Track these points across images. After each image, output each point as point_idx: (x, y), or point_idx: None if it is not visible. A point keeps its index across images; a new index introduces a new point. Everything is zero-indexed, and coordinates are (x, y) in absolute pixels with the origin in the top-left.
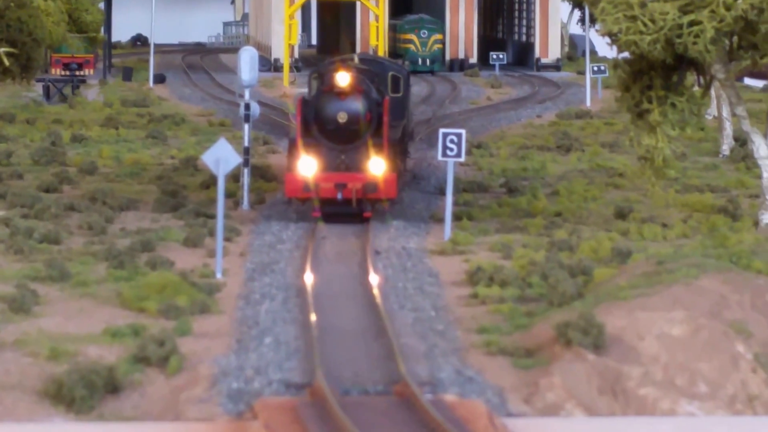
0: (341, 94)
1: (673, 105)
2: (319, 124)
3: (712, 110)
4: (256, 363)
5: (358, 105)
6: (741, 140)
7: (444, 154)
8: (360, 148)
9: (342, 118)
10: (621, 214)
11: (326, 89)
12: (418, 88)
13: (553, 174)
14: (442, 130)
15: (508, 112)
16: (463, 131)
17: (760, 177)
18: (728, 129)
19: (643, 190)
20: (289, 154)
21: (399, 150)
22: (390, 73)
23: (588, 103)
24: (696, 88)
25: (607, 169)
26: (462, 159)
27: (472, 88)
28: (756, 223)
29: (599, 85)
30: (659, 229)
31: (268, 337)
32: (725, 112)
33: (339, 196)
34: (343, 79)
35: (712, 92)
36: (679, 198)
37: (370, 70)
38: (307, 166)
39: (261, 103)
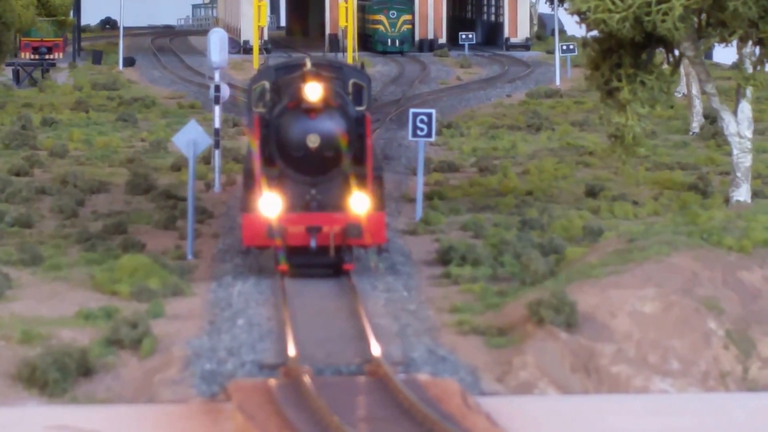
0: (311, 112)
1: (643, 83)
2: (283, 151)
3: (682, 88)
4: (229, 344)
5: (333, 124)
6: (711, 118)
7: (414, 134)
8: (337, 179)
9: (313, 141)
10: (592, 193)
11: (291, 105)
12: (388, 68)
13: (524, 153)
14: (412, 110)
15: (478, 91)
16: (433, 111)
17: (730, 154)
18: (698, 106)
19: (613, 168)
20: (245, 188)
21: (382, 180)
22: (351, 81)
23: (557, 82)
24: (665, 66)
25: (578, 148)
26: (432, 139)
27: (441, 69)
28: (726, 200)
29: (568, 64)
30: (630, 207)
31: (241, 318)
32: (695, 90)
33: (312, 243)
34: (313, 91)
35: (682, 70)
36: (649, 176)
37: (332, 77)
38: (271, 204)
39: (231, 85)
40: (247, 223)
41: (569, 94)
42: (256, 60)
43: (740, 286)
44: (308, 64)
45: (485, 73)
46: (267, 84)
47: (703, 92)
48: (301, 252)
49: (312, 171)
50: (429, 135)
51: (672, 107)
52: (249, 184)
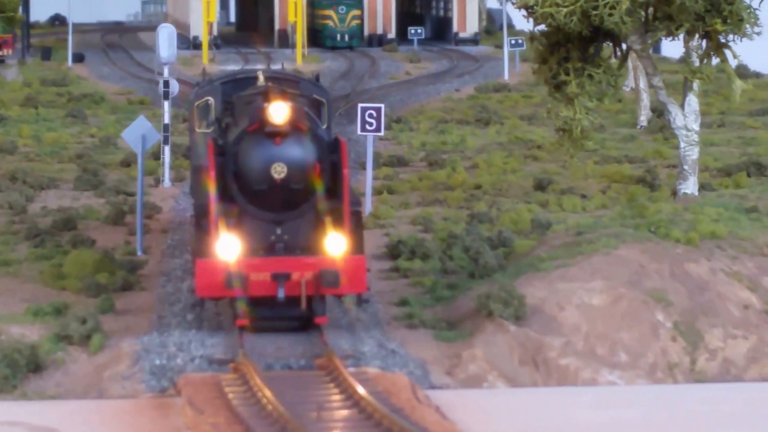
0: (276, 136)
1: (591, 77)
2: (242, 183)
3: (630, 82)
4: (179, 339)
5: (302, 151)
6: (658, 111)
7: (363, 129)
8: (307, 217)
9: (279, 172)
10: (540, 186)
11: (251, 128)
12: (337, 63)
13: (473, 147)
14: (361, 105)
15: (427, 86)
16: (381, 106)
17: (677, 147)
18: (645, 100)
19: (561, 162)
20: (196, 228)
21: (361, 217)
22: (312, 97)
23: (506, 76)
24: (613, 60)
25: (526, 142)
26: (381, 133)
27: (390, 64)
28: (674, 193)
29: (517, 58)
30: (578, 201)
31: (191, 313)
32: (642, 84)
33: (280, 293)
34: (278, 112)
35: (629, 64)
36: (597, 169)
37: (296, 95)
38: (229, 248)
39: (180, 81)
40: (202, 270)
41: (518, 89)
42: (206, 55)
43: (688, 279)
44: (261, 77)
45: (434, 68)
46: (212, 100)
47: (651, 86)
48: (265, 304)
49: (277, 207)
50: (378, 129)
51: (620, 101)
52: (202, 223)
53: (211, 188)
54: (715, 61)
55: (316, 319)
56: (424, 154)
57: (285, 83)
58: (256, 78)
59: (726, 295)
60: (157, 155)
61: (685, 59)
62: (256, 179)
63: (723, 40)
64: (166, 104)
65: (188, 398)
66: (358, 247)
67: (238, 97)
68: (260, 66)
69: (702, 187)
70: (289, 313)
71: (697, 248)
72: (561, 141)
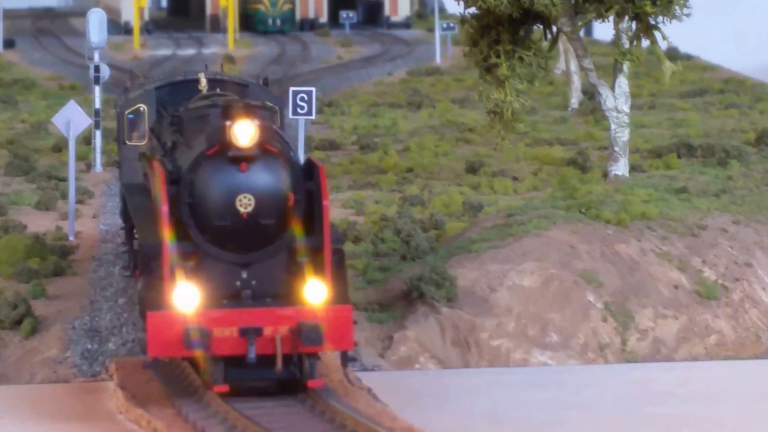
0: (241, 161)
1: (521, 59)
2: (200, 219)
3: (561, 64)
4: (111, 323)
5: (273, 179)
6: (589, 93)
7: (295, 113)
8: (278, 258)
9: (245, 205)
10: (472, 169)
11: (210, 152)
12: (269, 48)
13: (405, 130)
14: (292, 89)
15: (359, 70)
16: (313, 89)
17: (608, 129)
18: (576, 82)
19: (493, 145)
20: (144, 272)
21: (344, 256)
22: (263, 104)
23: (438, 59)
24: (543, 43)
25: (458, 125)
26: (313, 117)
27: (322, 48)
28: (605, 175)
29: (449, 41)
30: (509, 183)
31: (122, 297)
32: (573, 66)
33: (250, 353)
34: (244, 132)
35: (560, 46)
36: (528, 151)
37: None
38: (187, 297)
39: (111, 66)
40: (154, 325)
41: (449, 72)
42: (137, 41)
43: (618, 259)
44: (203, 80)
45: (366, 52)
46: (144, 108)
47: (582, 68)
48: (237, 364)
49: (243, 246)
50: (309, 113)
51: (551, 83)
52: (152, 267)
53: (164, 226)
54: (645, 43)
55: (308, 383)
56: (356, 137)
57: (231, 88)
58: (196, 81)
59: (656, 276)
60: (88, 140)
61: (615, 41)
62: (218, 214)
63: (653, 22)
64: (97, 89)
65: (120, 382)
66: (341, 294)
67: (187, 110)
68: (191, 50)
69: (633, 168)
70: (264, 375)
71: (627, 229)
72: (492, 124)
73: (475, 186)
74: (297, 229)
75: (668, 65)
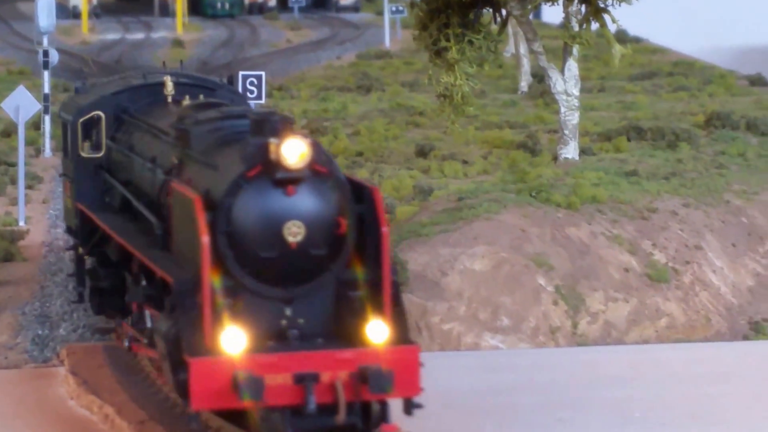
0: (288, 184)
1: (471, 42)
2: (241, 250)
3: (510, 47)
4: (62, 309)
5: (324, 204)
6: (539, 76)
7: (244, 97)
8: (323, 292)
9: (294, 234)
10: (422, 152)
11: (253, 173)
12: (218, 32)
13: (354, 114)
14: (241, 73)
15: (309, 54)
16: (262, 73)
17: (557, 112)
18: (526, 66)
19: (443, 128)
20: (178, 313)
21: (399, 288)
22: None
23: (387, 43)
24: (493, 26)
25: (408, 108)
26: (263, 101)
27: (271, 32)
28: (555, 158)
29: (398, 25)
30: (460, 166)
31: (73, 283)
32: (523, 49)
33: (310, 402)
34: (294, 150)
35: (509, 29)
36: (479, 135)
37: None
38: (235, 340)
39: (60, 51)
40: (200, 373)
41: (399, 56)
42: (85, 25)
43: (569, 243)
44: (169, 84)
45: (315, 36)
46: (101, 115)
47: (531, 51)
48: (295, 414)
49: (289, 280)
50: (259, 97)
51: (500, 67)
52: (189, 304)
53: (206, 259)
54: (594, 26)
55: (384, 428)
56: (306, 121)
57: (200, 91)
58: (162, 85)
59: (607, 259)
60: (37, 125)
61: (564, 25)
62: (263, 244)
63: (602, 5)
64: (46, 74)
65: (71, 368)
66: (403, 332)
67: (196, 122)
68: (140, 35)
69: (582, 151)
70: (323, 424)
71: (577, 212)
72: (442, 107)
73: (426, 170)
74: (347, 259)
75: (617, 48)
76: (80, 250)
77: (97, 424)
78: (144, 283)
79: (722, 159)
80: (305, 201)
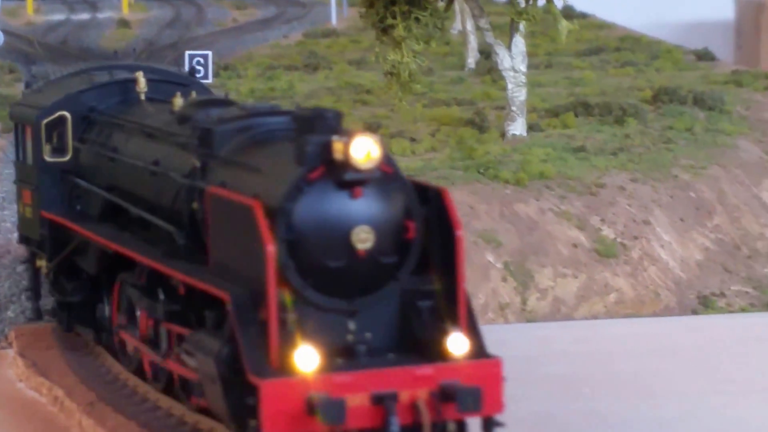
0: (355, 187)
1: (417, 20)
2: (304, 259)
3: (457, 24)
4: (9, 292)
5: (392, 207)
6: (486, 53)
7: (191, 76)
8: (387, 302)
9: (363, 240)
10: (370, 130)
11: (316, 175)
12: (163, 12)
13: (302, 93)
14: (188, 53)
15: (255, 33)
16: (209, 53)
17: (505, 89)
18: (473, 42)
19: (390, 106)
20: (241, 331)
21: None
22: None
23: (334, 21)
24: (440, 3)
25: (355, 86)
26: (210, 80)
27: (217, 11)
28: (503, 135)
29: (344, 3)
30: (408, 144)
31: (21, 265)
32: (469, 26)
33: (393, 424)
34: (364, 150)
35: (456, 6)
36: (426, 112)
37: None
38: (308, 358)
39: (5, 32)
40: (273, 396)
41: (346, 34)
42: (30, 6)
43: (517, 219)
44: (142, 81)
45: (261, 15)
46: (68, 116)
47: (478, 28)
48: None
49: (354, 291)
50: (206, 77)
51: (447, 43)
52: (247, 320)
53: (271, 271)
54: (541, 2)
55: None
56: (253, 101)
57: (174, 88)
58: (134, 81)
59: (555, 235)
60: None
61: (511, 1)
62: (329, 252)
63: None
64: None
65: (20, 349)
66: (479, 343)
67: (221, 120)
68: (86, 15)
69: (530, 128)
70: None
71: (526, 189)
72: (389, 85)
73: None
74: (411, 266)
75: (564, 24)
76: (41, 262)
77: (47, 406)
78: (162, 297)
79: (670, 134)
80: (373, 204)
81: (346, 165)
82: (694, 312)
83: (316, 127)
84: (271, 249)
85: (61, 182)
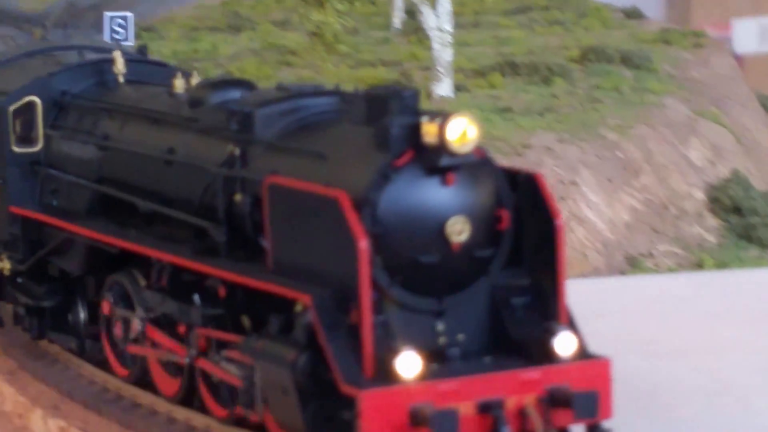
0: (447, 173)
1: None
2: (392, 254)
3: None
4: None
5: (487, 194)
6: (411, 13)
7: (112, 39)
8: (479, 300)
9: (458, 232)
10: None
11: (404, 162)
12: None
13: (225, 55)
14: (108, 14)
15: None
16: (129, 14)
17: (430, 49)
18: (398, 2)
19: (315, 67)
20: (329, 336)
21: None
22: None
23: None
24: None
25: (279, 48)
26: (131, 43)
27: None
28: (429, 95)
29: None
30: None
31: None
32: None
33: None
34: (461, 132)
35: None
36: (352, 73)
37: None
38: (410, 366)
39: None
40: (374, 408)
41: None
42: None
43: None
44: (120, 61)
45: None
46: (38, 102)
47: None
48: None
49: (443, 288)
50: (127, 39)
51: (373, 3)
52: (335, 325)
53: (364, 267)
54: None
55: None
56: (176, 62)
57: (152, 69)
58: (110, 62)
59: None
60: None
61: None
62: (422, 246)
63: None
64: None
65: None
66: (582, 342)
67: (263, 102)
68: None
69: (457, 88)
70: None
71: None
72: (314, 46)
73: None
74: (503, 259)
75: None
76: (3, 264)
77: None
78: (198, 301)
79: (597, 93)
80: (466, 191)
81: (440, 149)
82: (622, 273)
83: (392, 107)
84: (364, 245)
85: (32, 174)
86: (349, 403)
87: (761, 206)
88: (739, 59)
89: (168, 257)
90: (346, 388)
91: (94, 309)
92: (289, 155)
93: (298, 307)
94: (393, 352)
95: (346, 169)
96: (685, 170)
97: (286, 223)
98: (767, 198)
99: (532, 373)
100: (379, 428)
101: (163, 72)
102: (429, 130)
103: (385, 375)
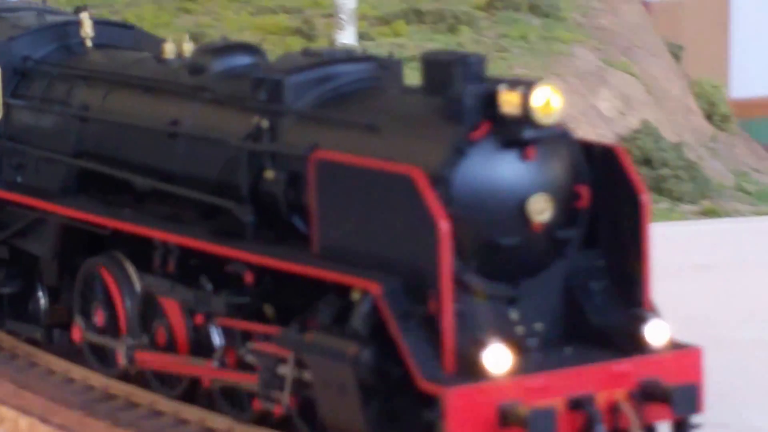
0: (527, 147)
1: None
2: (467, 236)
3: None
4: None
5: (568, 170)
6: None
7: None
8: (554, 285)
9: (541, 211)
10: (194, 40)
11: (479, 134)
12: None
13: (122, 1)
14: None
15: None
16: None
17: None
18: None
19: (215, 14)
20: (405, 327)
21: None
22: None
23: None
24: None
25: None
26: None
27: None
28: (332, 44)
29: None
30: None
31: None
32: None
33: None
34: (545, 102)
35: None
36: (252, 20)
37: None
38: (501, 359)
39: None
40: (461, 408)
41: None
42: None
43: None
44: (87, 24)
45: None
46: None
47: None
48: None
49: (517, 273)
50: None
51: None
52: (410, 316)
53: (445, 251)
54: None
55: None
56: (70, 9)
57: (116, 31)
58: (74, 25)
59: None
60: None
61: None
62: (501, 227)
63: None
64: None
65: None
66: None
67: (292, 70)
68: None
69: (360, 36)
70: None
71: None
72: None
73: None
74: (579, 239)
75: None
76: None
77: None
78: (211, 288)
79: (504, 42)
80: (547, 166)
81: (521, 120)
82: None
83: (456, 75)
84: (445, 226)
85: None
86: (423, 401)
87: (672, 158)
88: (647, 6)
89: (183, 240)
90: (426, 386)
91: (55, 295)
92: (330, 127)
93: (355, 295)
94: (478, 344)
95: (409, 144)
96: (594, 121)
97: (337, 203)
98: (678, 149)
99: (625, 365)
100: (466, 429)
101: (129, 34)
102: (510, 100)
103: (469, 370)
